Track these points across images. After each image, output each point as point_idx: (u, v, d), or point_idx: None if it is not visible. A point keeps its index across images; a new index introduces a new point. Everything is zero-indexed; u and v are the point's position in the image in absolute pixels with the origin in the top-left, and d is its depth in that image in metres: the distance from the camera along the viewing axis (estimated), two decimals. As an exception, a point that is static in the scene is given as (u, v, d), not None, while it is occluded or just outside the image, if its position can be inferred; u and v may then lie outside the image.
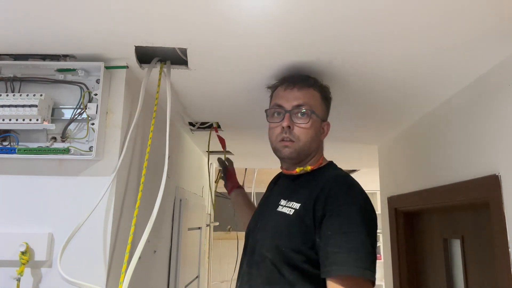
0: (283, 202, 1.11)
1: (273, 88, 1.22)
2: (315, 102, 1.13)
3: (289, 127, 1.09)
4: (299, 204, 1.05)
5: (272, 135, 1.14)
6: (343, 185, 1.05)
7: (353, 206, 0.97)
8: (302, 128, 1.09)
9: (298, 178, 1.16)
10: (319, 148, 1.18)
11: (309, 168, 1.13)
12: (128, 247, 1.06)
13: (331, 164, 1.19)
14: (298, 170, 1.13)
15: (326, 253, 0.94)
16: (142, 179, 1.15)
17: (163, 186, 1.10)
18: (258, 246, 1.10)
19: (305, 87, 1.13)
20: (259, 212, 1.26)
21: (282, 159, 1.17)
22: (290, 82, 1.14)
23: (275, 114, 1.14)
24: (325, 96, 1.18)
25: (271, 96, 1.22)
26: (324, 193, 1.01)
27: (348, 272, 0.90)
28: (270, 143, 1.17)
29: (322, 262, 0.95)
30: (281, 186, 1.24)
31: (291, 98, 1.11)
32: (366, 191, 1.05)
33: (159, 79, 1.22)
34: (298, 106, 1.10)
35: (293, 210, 1.05)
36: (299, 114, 1.10)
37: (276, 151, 1.15)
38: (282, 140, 1.10)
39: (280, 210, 1.10)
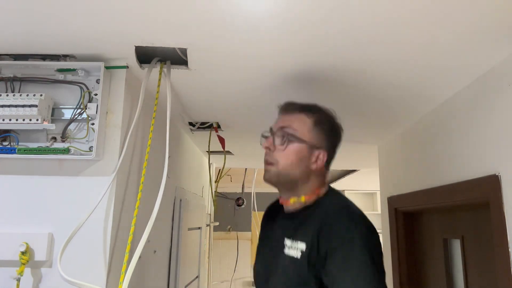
0: (288, 242, 1.02)
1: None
2: (302, 127, 1.04)
3: (269, 148, 1.05)
4: (304, 244, 0.97)
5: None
6: (343, 217, 0.97)
7: (356, 239, 0.91)
8: (281, 151, 1.03)
9: (298, 214, 1.06)
10: (313, 178, 1.05)
11: (303, 199, 1.04)
12: (128, 247, 1.06)
13: (329, 192, 1.09)
14: (291, 201, 1.06)
15: None
16: (142, 179, 1.15)
17: (163, 186, 1.09)
18: None
19: (296, 111, 1.07)
20: (264, 253, 1.15)
21: (267, 183, 1.07)
22: (284, 108, 1.11)
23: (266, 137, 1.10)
24: (320, 123, 1.07)
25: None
26: (326, 228, 0.95)
27: None
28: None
29: None
30: (282, 222, 1.13)
31: (279, 121, 1.08)
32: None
33: (159, 79, 1.22)
34: (281, 128, 1.05)
35: (300, 253, 0.97)
36: (280, 137, 1.04)
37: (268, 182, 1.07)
38: (265, 162, 1.06)
39: (287, 252, 1.01)
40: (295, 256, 0.98)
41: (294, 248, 0.99)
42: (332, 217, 0.97)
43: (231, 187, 4.72)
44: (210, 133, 2.01)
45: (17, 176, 1.11)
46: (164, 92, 1.21)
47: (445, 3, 0.85)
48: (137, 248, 1.01)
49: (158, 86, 1.22)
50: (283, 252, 1.02)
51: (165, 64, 1.20)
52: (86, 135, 1.11)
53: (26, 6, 0.89)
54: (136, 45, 1.08)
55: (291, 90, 1.42)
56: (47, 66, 1.14)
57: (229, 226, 5.51)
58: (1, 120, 1.05)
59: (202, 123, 1.95)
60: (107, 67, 1.15)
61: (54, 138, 1.11)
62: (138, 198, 1.12)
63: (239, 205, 5.00)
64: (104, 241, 1.07)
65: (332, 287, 0.90)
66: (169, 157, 1.16)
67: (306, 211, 1.04)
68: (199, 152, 2.66)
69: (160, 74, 1.22)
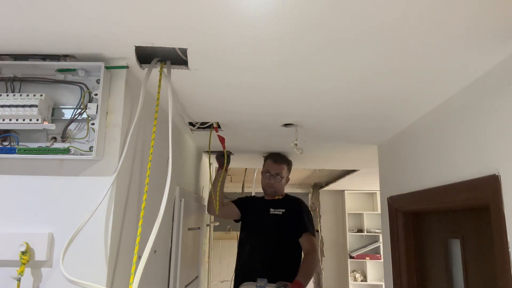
0: (272, 210, 2.42)
1: (265, 158, 2.57)
2: (284, 171, 2.49)
3: (272, 182, 2.46)
4: (283, 210, 2.40)
5: (263, 182, 2.52)
6: (299, 202, 2.46)
7: (305, 209, 2.42)
8: (277, 183, 2.46)
9: (275, 201, 2.48)
10: (283, 189, 2.53)
11: (279, 197, 2.50)
12: (136, 248, 1.05)
13: (287, 194, 2.54)
14: (276, 197, 2.50)
15: (301, 223, 2.30)
16: (147, 180, 1.14)
17: (167, 191, 1.08)
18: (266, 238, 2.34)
19: (282, 163, 2.50)
20: (255, 218, 2.50)
21: (266, 194, 2.54)
22: (273, 159, 2.51)
23: (266, 174, 2.49)
24: (290, 166, 2.57)
25: (264, 162, 2.57)
26: (294, 206, 2.42)
27: (310, 231, 2.29)
28: (261, 184, 2.54)
29: (298, 227, 2.30)
30: (265, 204, 2.49)
31: (273, 168, 2.49)
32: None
33: (160, 80, 1.22)
34: (277, 174, 2.47)
35: (282, 211, 2.39)
36: (277, 177, 2.46)
37: (264, 189, 2.53)
38: (267, 185, 2.48)
39: (273, 212, 2.40)
40: (279, 213, 2.38)
41: (277, 210, 2.39)
42: (295, 202, 2.46)
43: (231, 187, 4.72)
44: (211, 133, 2.01)
45: (17, 176, 1.11)
46: (165, 92, 1.21)
47: (445, 4, 0.85)
48: (145, 249, 1.00)
49: (159, 86, 1.22)
50: (269, 213, 2.41)
51: (165, 64, 1.20)
52: (86, 135, 1.11)
53: (26, 6, 0.89)
54: (136, 45, 1.08)
55: (292, 90, 1.42)
56: (47, 66, 1.14)
57: (229, 226, 5.51)
58: (1, 120, 1.05)
59: (202, 123, 1.95)
60: (107, 67, 1.15)
61: (54, 138, 1.11)
62: (144, 199, 1.12)
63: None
64: (104, 241, 1.07)
65: (299, 223, 2.32)
66: (168, 157, 1.16)
67: (279, 200, 2.49)
68: (199, 152, 2.66)
69: (161, 74, 1.22)
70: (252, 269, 2.24)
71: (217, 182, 2.39)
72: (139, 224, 1.09)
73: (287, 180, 2.54)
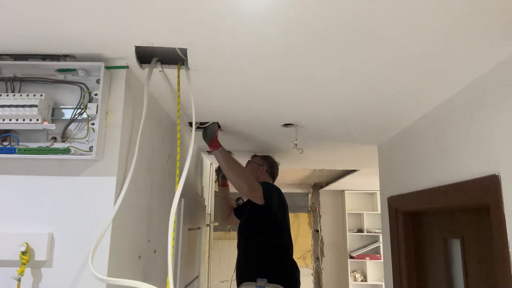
0: (240, 201, 2.81)
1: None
2: (255, 159, 2.53)
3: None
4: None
5: None
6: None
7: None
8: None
9: None
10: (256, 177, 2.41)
11: None
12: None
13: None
14: None
15: None
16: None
17: (180, 192, 1.07)
18: None
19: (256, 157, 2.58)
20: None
21: None
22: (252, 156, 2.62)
23: None
24: (265, 160, 2.53)
25: None
26: None
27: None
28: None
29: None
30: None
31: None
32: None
33: (178, 83, 1.21)
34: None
35: (243, 200, 2.76)
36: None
37: None
38: None
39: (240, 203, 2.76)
40: None
41: None
42: None
43: (231, 187, 4.71)
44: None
45: (17, 176, 1.11)
46: (166, 93, 1.21)
47: (446, 4, 0.85)
48: (166, 252, 1.01)
49: (178, 90, 1.20)
50: None
51: (183, 65, 1.19)
52: (86, 135, 1.11)
53: (26, 7, 0.89)
54: (136, 45, 1.08)
55: (292, 91, 1.42)
56: (47, 66, 1.14)
57: (229, 226, 5.51)
58: (1, 120, 1.05)
59: (202, 123, 1.95)
60: (107, 67, 1.15)
61: (54, 138, 1.11)
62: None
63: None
64: (104, 241, 1.07)
65: None
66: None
67: None
68: (199, 152, 2.66)
69: (179, 76, 1.20)
70: (239, 266, 2.24)
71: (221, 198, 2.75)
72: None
73: (258, 168, 2.51)
